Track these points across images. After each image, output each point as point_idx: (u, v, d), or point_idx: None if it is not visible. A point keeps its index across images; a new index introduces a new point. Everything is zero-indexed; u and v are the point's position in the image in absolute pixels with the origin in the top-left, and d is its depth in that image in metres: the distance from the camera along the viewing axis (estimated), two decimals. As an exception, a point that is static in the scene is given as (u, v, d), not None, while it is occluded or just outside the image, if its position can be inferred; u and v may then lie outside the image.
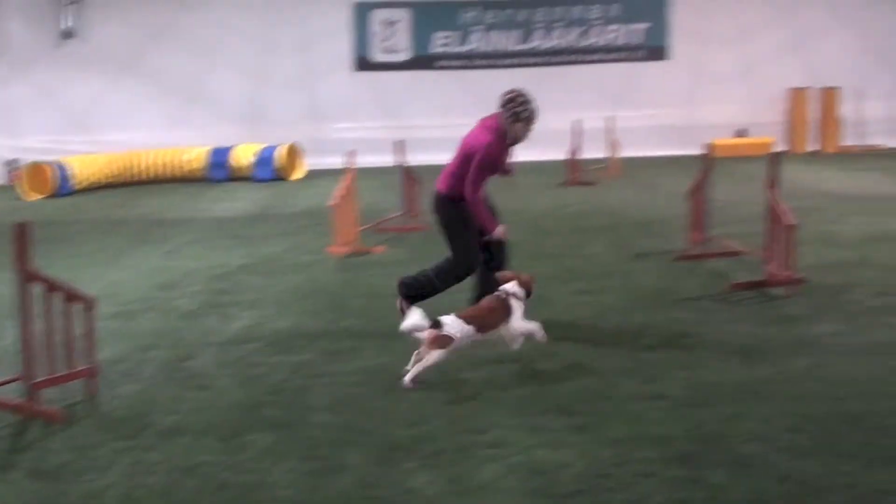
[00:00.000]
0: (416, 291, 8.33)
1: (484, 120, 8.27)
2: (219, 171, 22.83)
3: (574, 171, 19.34)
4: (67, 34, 25.44)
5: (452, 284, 8.37)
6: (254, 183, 21.91)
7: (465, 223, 8.22)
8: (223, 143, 23.60)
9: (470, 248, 8.24)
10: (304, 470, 5.27)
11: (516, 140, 8.21)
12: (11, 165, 24.75)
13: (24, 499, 5.12)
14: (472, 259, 8.25)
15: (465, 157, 8.13)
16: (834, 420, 5.73)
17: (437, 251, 11.58)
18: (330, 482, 5.10)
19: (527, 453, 5.35)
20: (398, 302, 8.36)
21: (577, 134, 19.94)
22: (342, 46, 26.01)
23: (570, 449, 5.38)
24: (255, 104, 25.75)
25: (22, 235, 6.37)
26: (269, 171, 22.34)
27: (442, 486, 4.99)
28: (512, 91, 8.17)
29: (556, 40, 26.55)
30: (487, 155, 8.03)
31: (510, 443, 5.49)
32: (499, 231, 8.21)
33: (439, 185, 8.36)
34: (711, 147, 11.06)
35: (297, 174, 22.88)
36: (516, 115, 8.05)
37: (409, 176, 13.50)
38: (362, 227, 12.41)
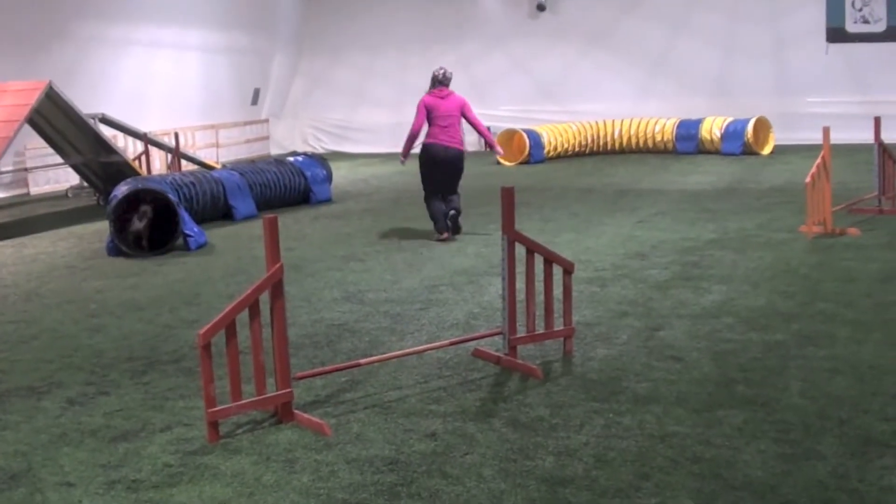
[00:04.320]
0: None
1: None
2: (686, 143, 22.79)
3: None
4: (540, 8, 26.30)
5: None
6: (721, 156, 21.66)
7: None
8: (691, 115, 23.47)
9: None
10: (776, 452, 5.17)
11: None
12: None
13: (504, 446, 5.41)
14: None
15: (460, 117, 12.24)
16: None
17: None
18: (803, 468, 4.96)
19: None
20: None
21: None
22: (815, 16, 24.89)
23: None
24: (723, 75, 25.29)
25: (508, 199, 6.71)
26: (737, 145, 21.97)
27: (924, 488, 4.72)
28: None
29: None
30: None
31: None
32: None
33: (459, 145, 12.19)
34: None
35: (766, 149, 22.34)
36: None
37: (887, 154, 12.79)
38: (835, 208, 11.93)
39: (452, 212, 12.16)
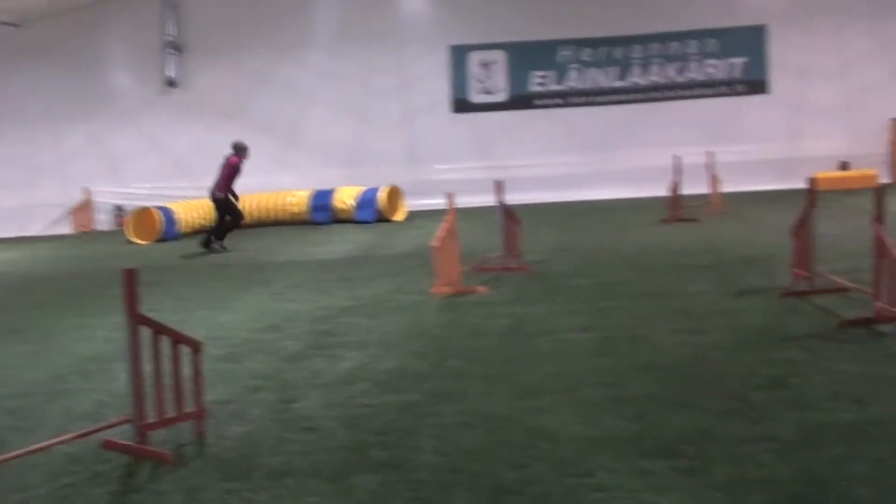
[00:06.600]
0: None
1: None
2: (322, 213, 23.15)
3: (675, 208, 19.16)
4: (171, 83, 26.06)
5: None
6: (356, 224, 22.11)
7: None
8: (325, 186, 23.88)
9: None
10: (410, 512, 5.27)
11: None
12: (118, 211, 25.38)
13: (137, 540, 5.21)
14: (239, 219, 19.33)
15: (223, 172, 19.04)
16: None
17: (538, 290, 11.64)
18: (436, 524, 5.09)
19: (634, 497, 5.25)
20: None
21: (678, 170, 19.77)
22: (440, 88, 26.12)
23: (677, 492, 5.28)
24: (355, 146, 25.98)
25: (130, 281, 6.52)
26: (371, 213, 22.54)
27: (549, 529, 4.94)
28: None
29: (653, 76, 26.41)
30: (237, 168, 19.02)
31: (617, 486, 5.40)
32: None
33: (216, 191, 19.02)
34: (814, 180, 10.79)
35: (399, 215, 23.04)
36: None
37: (510, 215, 13.50)
38: (464, 268, 12.43)
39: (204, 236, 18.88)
